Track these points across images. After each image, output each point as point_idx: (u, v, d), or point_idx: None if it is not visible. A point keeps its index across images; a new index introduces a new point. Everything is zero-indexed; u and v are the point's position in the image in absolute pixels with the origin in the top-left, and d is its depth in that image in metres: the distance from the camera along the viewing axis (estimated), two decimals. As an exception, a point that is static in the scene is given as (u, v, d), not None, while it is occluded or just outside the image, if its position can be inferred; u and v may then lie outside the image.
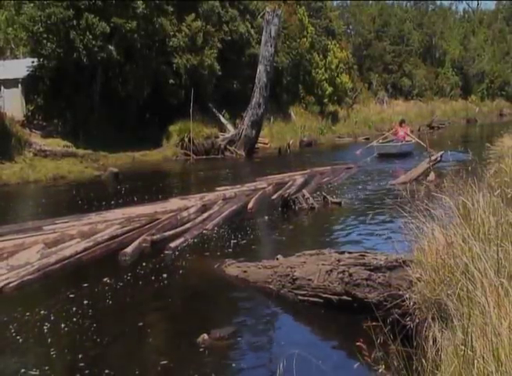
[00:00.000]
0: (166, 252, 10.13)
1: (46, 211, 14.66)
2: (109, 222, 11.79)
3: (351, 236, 11.40)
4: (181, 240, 10.72)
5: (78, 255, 9.64)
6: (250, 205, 14.14)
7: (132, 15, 26.78)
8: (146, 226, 11.69)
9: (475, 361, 3.29)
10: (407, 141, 26.38)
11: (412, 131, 29.76)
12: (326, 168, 21.02)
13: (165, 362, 5.97)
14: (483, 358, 3.26)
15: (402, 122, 28.27)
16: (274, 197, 15.34)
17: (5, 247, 9.90)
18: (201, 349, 6.16)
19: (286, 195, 14.12)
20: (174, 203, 14.22)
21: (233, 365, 6.08)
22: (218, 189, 16.59)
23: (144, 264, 9.43)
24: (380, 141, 27.27)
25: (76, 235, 10.85)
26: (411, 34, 65.38)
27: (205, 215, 13.09)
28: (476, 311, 3.68)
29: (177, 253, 10.14)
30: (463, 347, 3.45)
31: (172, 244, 10.38)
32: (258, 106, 29.95)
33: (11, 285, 8.09)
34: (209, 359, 5.99)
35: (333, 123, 42.48)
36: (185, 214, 13.02)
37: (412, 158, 23.08)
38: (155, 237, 10.74)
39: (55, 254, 9.55)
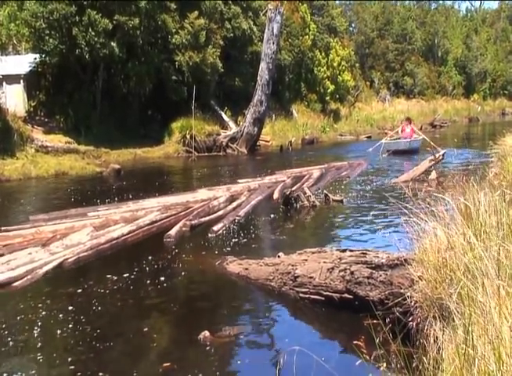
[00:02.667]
0: (209, 235, 11.16)
1: (56, 205, 14.79)
2: (147, 209, 12.91)
3: (353, 234, 11.40)
4: (221, 224, 11.70)
5: (124, 237, 10.76)
6: (275, 196, 15.00)
7: (135, 12, 26.77)
8: (182, 213, 12.77)
9: (476, 360, 3.30)
10: (415, 138, 26.92)
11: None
12: (343, 163, 21.78)
13: (166, 358, 5.97)
14: (484, 357, 3.27)
15: (408, 119, 28.87)
16: (293, 188, 15.62)
17: (58, 229, 11.01)
18: (202, 346, 6.17)
19: (287, 192, 14.12)
20: (203, 193, 15.30)
21: (234, 362, 6.08)
22: (241, 181, 17.59)
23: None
24: (389, 138, 27.76)
25: (119, 220, 11.98)
26: (413, 32, 65.38)
27: (235, 203, 14.09)
28: (477, 310, 3.68)
29: (216, 235, 11.20)
30: (464, 346, 3.45)
31: (214, 228, 11.43)
32: (260, 103, 29.96)
33: (69, 260, 9.21)
34: (210, 355, 5.99)
35: (335, 121, 42.49)
36: (215, 203, 14.05)
37: (420, 155, 23.22)
38: (194, 222, 11.89)
39: (104, 235, 10.65)
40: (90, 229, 11.08)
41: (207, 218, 12.49)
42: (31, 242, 10.25)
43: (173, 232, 10.94)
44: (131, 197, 15.05)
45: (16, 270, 8.56)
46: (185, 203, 13.87)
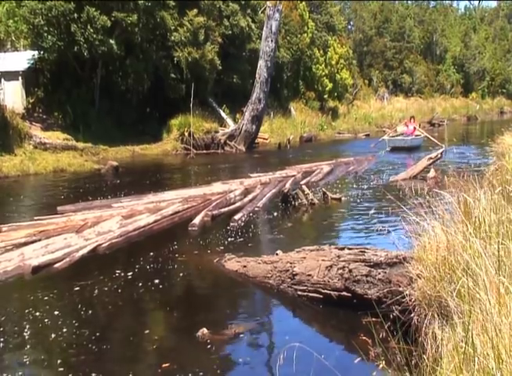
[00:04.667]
0: (231, 224, 11.89)
1: (56, 201, 14.83)
2: (168, 201, 13.74)
3: (351, 232, 11.41)
4: (240, 214, 12.50)
5: (150, 226, 11.60)
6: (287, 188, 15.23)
7: (133, 9, 26.72)
8: (201, 205, 13.63)
9: (476, 358, 3.30)
10: (416, 135, 27.72)
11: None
12: (350, 159, 22.70)
13: (164, 356, 5.98)
14: (484, 355, 3.27)
15: (412, 117, 30.03)
16: (302, 182, 16.64)
17: (88, 218, 11.83)
18: (200, 343, 6.17)
19: (286, 190, 14.13)
20: (218, 186, 16.12)
21: (232, 359, 6.08)
22: (252, 175, 18.26)
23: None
24: (391, 135, 28.45)
25: (143, 211, 12.78)
26: (412, 30, 65.31)
27: (250, 196, 14.91)
28: (477, 308, 3.68)
29: (241, 223, 12.02)
30: (463, 344, 3.46)
31: (236, 217, 12.28)
32: (259, 101, 29.95)
33: (103, 246, 9.99)
34: (208, 353, 5.99)
35: (333, 119, 42.47)
36: (231, 195, 14.88)
37: (421, 152, 23.44)
38: (214, 212, 12.67)
39: (132, 224, 11.46)
40: (119, 217, 11.93)
41: (226, 209, 13.39)
42: (65, 229, 11.09)
43: (196, 221, 11.78)
44: (131, 193, 15.09)
45: (55, 253, 9.33)
46: (202, 195, 14.67)
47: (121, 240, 10.50)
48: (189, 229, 11.48)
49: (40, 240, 10.30)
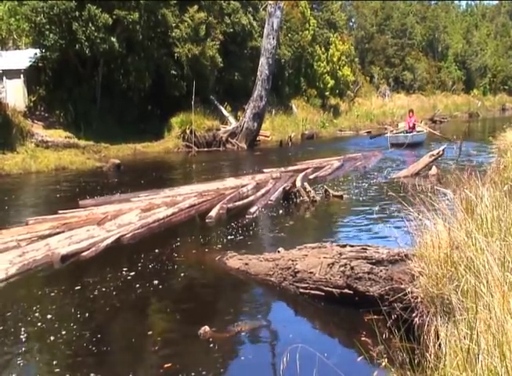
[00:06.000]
0: (247, 216, 12.45)
1: (58, 199, 15.12)
2: (184, 195, 14.32)
3: (353, 229, 11.38)
4: (255, 207, 13.03)
5: (168, 218, 12.13)
6: (298, 183, 15.34)
7: (135, 6, 26.70)
8: (216, 198, 14.16)
9: (479, 355, 3.28)
10: (418, 131, 27.74)
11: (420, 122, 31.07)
12: (358, 155, 23.08)
13: (165, 353, 5.97)
14: (487, 352, 3.26)
15: (410, 111, 29.67)
16: (311, 176, 17.64)
17: (108, 211, 12.41)
18: (202, 341, 6.16)
19: (287, 188, 14.13)
20: (231, 181, 16.76)
21: (234, 357, 6.07)
22: (265, 170, 18.75)
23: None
24: (395, 131, 28.62)
25: (161, 204, 13.32)
26: (413, 27, 65.29)
27: (263, 190, 15.26)
28: (480, 305, 3.67)
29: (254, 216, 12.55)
30: (466, 341, 3.44)
31: (251, 210, 12.81)
32: (260, 98, 29.95)
33: (126, 236, 10.50)
34: (210, 350, 5.98)
35: (335, 116, 42.48)
36: (244, 189, 15.35)
37: (424, 148, 23.51)
38: (229, 205, 13.18)
39: (151, 216, 11.91)
40: (138, 211, 12.52)
41: (240, 202, 13.87)
42: (87, 222, 11.61)
43: (213, 213, 12.31)
44: (133, 191, 15.15)
45: (82, 243, 9.85)
46: (216, 190, 15.22)
47: (143, 231, 11.05)
48: (206, 220, 12.07)
49: (63, 231, 10.81)
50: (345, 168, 19.82)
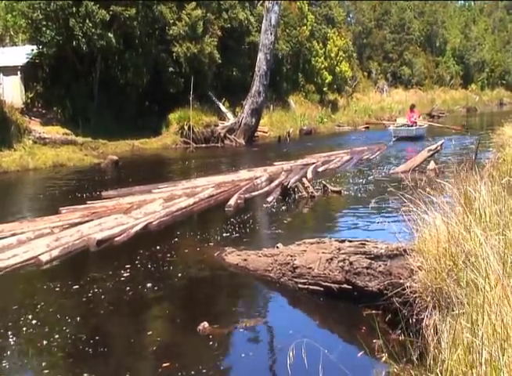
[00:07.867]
0: (264, 205, 13.20)
1: (57, 196, 15.12)
2: (203, 186, 15.07)
3: (352, 224, 11.39)
4: (272, 197, 13.74)
5: (190, 207, 12.99)
6: (308, 175, 16.49)
7: (132, 2, 26.64)
8: (232, 189, 14.89)
9: (478, 349, 3.28)
10: (420, 125, 28.47)
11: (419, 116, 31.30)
12: (363, 148, 23.80)
13: (164, 349, 5.97)
14: (487, 345, 3.25)
15: (412, 107, 30.23)
16: (320, 169, 18.38)
17: (133, 201, 13.22)
18: (201, 337, 6.16)
19: (286, 183, 14.13)
20: (244, 173, 17.50)
21: (232, 352, 6.07)
22: (276, 163, 19.35)
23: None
24: (396, 125, 29.12)
25: (182, 195, 14.01)
26: (411, 22, 65.18)
27: (276, 181, 15.85)
28: (479, 299, 3.66)
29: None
30: (467, 335, 3.44)
31: (268, 199, 13.59)
32: (258, 94, 29.91)
33: (153, 223, 11.27)
34: (209, 346, 5.98)
35: (333, 112, 42.41)
36: (258, 181, 16.11)
37: (425, 141, 23.73)
38: (246, 195, 13.93)
39: (173, 206, 12.72)
40: (161, 201, 13.21)
41: (256, 192, 14.66)
42: (114, 211, 12.36)
43: (232, 202, 13.04)
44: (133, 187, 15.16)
45: (113, 229, 10.60)
46: (231, 181, 15.99)
47: (168, 218, 11.80)
48: (226, 209, 12.77)
49: (93, 220, 11.47)
50: (354, 161, 20.35)
